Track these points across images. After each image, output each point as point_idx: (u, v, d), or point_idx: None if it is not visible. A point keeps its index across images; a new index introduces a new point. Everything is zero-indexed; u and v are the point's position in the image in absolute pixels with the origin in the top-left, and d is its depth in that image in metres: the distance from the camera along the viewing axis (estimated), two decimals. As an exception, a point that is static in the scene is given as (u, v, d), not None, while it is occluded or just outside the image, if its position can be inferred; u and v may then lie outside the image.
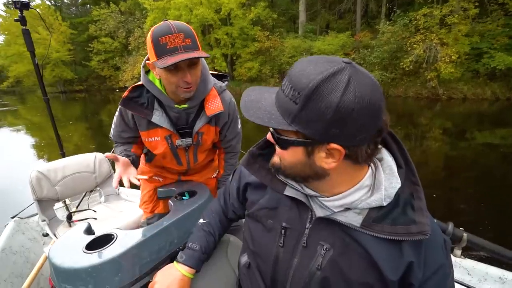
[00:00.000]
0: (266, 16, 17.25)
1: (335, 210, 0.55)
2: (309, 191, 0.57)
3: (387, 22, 13.09)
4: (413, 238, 0.48)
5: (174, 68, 0.89)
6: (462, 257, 1.17)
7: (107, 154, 0.98)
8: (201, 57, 0.89)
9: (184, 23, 0.90)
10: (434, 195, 3.75)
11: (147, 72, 1.05)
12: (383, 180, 0.52)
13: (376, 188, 0.52)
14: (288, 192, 0.60)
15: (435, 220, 1.01)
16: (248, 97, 0.54)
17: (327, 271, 0.55)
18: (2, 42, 31.34)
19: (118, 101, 1.26)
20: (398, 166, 0.54)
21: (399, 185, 0.52)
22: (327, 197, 0.55)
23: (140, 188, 1.43)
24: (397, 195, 0.52)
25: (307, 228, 0.58)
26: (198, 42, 0.92)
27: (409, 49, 11.78)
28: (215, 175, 1.46)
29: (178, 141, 1.11)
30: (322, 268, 0.55)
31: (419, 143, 6.52)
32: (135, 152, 1.17)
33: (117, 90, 22.31)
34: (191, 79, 0.92)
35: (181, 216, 0.99)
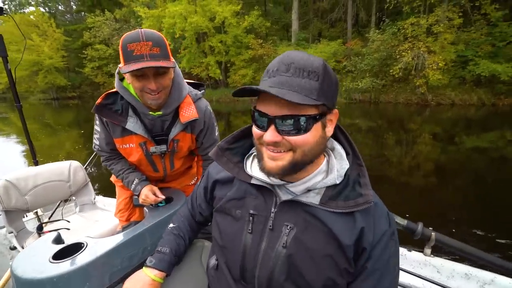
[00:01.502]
0: (260, 25, 17.57)
1: (298, 194, 0.62)
2: (276, 181, 0.63)
3: (377, 31, 13.48)
4: (361, 207, 0.57)
5: (140, 75, 0.90)
6: (432, 255, 1.22)
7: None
8: (163, 67, 0.89)
9: (157, 33, 0.92)
10: (424, 198, 3.86)
11: (122, 79, 1.04)
12: (335, 164, 0.62)
13: (330, 171, 0.62)
14: (255, 180, 0.65)
15: (405, 220, 1.10)
16: (270, 86, 0.54)
17: (292, 248, 0.60)
18: (-6, 49, 30.88)
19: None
20: (346, 153, 0.65)
21: (347, 166, 0.62)
22: (293, 182, 0.62)
23: (116, 196, 1.41)
24: (347, 176, 0.62)
25: (273, 212, 0.63)
26: (168, 52, 0.93)
27: (398, 56, 12.15)
28: (193, 182, 1.45)
29: (152, 148, 1.11)
30: (287, 246, 0.60)
31: (410, 148, 6.68)
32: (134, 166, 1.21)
33: (111, 97, 22.14)
34: (155, 86, 0.93)
35: (155, 222, 0.98)
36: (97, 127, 1.12)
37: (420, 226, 1.09)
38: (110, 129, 1.08)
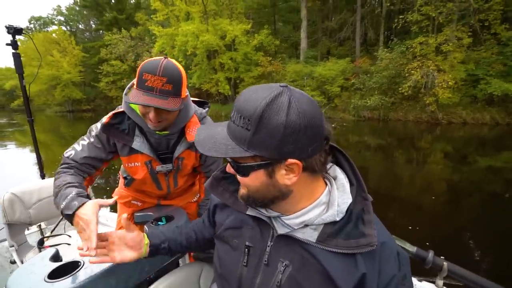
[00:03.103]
0: (269, 43, 18.02)
1: (295, 227, 0.57)
2: (272, 213, 0.59)
3: (385, 50, 13.60)
4: (362, 250, 0.51)
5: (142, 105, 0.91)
6: (445, 287, 1.10)
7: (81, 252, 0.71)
8: (165, 109, 0.88)
9: (177, 67, 0.91)
10: (435, 220, 3.70)
11: None
12: (336, 197, 0.56)
13: (330, 204, 0.56)
14: (250, 211, 0.63)
15: (415, 247, 1.02)
16: (201, 135, 0.56)
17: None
18: (17, 64, 32.75)
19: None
20: (350, 184, 0.58)
21: (350, 201, 0.56)
22: (288, 215, 0.58)
23: (118, 213, 1.38)
24: (350, 210, 0.55)
25: (268, 246, 0.60)
26: (182, 89, 0.93)
27: (407, 75, 12.13)
28: (195, 199, 1.44)
29: (158, 167, 1.11)
30: (281, 285, 0.56)
31: (421, 167, 6.51)
32: (86, 185, 1.05)
33: (123, 110, 22.97)
34: (155, 119, 0.94)
35: None
36: (91, 139, 1.05)
37: (431, 254, 1.01)
38: (118, 148, 1.09)
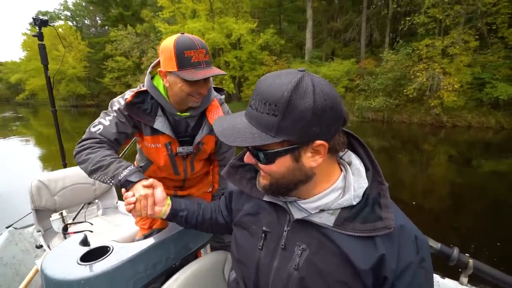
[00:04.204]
0: (274, 42, 18.02)
1: (312, 212, 0.58)
2: (289, 198, 0.60)
3: (391, 51, 13.54)
4: (380, 232, 0.52)
5: (193, 80, 0.93)
6: (469, 285, 1.06)
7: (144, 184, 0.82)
8: (220, 74, 0.97)
9: (201, 39, 0.96)
10: (440, 222, 3.70)
11: (152, 78, 1.06)
12: (352, 181, 0.56)
13: (346, 189, 0.56)
14: (267, 197, 0.64)
15: (439, 244, 1.00)
16: (221, 126, 0.55)
17: (303, 271, 0.56)
18: (24, 58, 33.12)
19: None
20: (366, 169, 0.59)
21: (366, 185, 0.56)
22: (305, 199, 0.58)
23: None
24: (366, 195, 0.56)
25: (285, 231, 0.61)
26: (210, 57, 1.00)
27: (412, 77, 12.07)
28: (210, 189, 1.45)
29: (179, 149, 1.11)
30: (299, 268, 0.57)
31: (425, 169, 6.50)
32: None
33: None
34: (206, 91, 1.00)
35: (179, 230, 0.97)
36: (115, 113, 1.02)
37: (456, 251, 0.98)
38: (142, 127, 1.07)
